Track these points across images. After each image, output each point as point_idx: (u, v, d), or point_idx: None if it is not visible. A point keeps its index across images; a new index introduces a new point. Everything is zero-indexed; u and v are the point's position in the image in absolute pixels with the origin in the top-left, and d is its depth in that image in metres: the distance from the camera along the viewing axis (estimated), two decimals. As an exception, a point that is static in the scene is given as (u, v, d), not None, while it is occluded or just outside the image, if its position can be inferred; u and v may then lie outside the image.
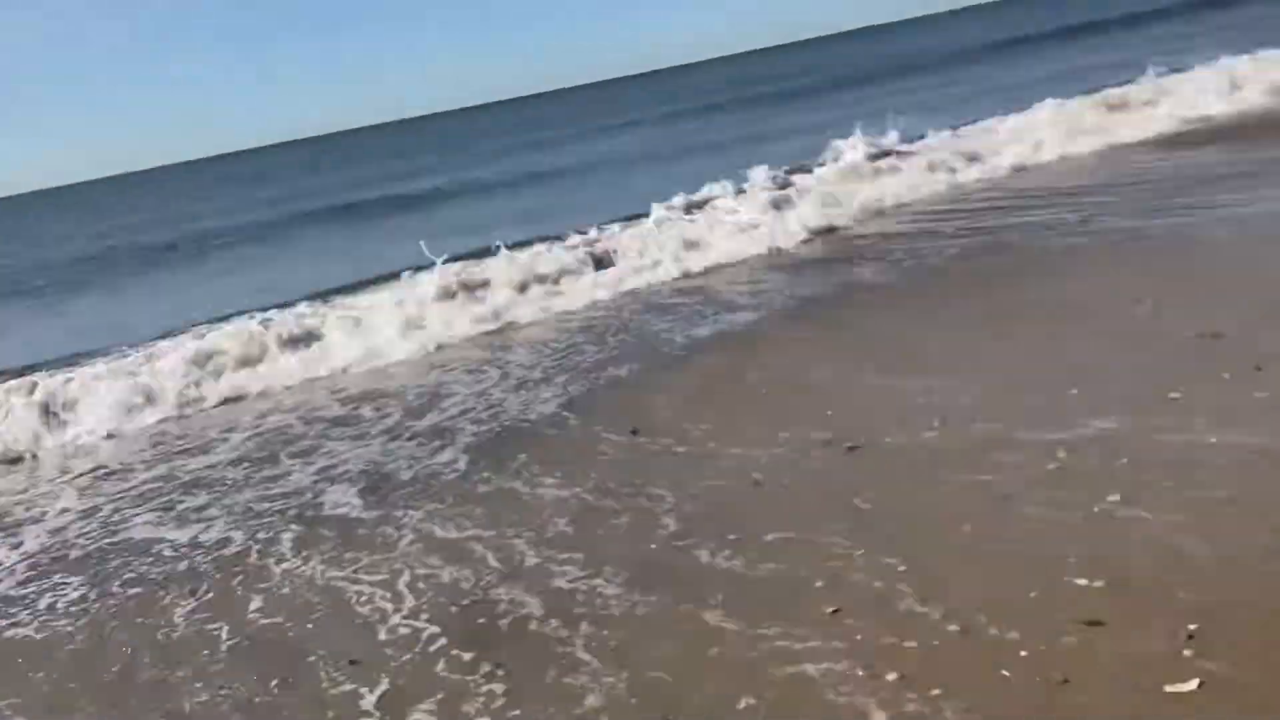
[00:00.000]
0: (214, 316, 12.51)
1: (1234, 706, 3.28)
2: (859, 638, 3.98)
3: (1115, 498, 4.64)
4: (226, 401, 9.65)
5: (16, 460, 8.91)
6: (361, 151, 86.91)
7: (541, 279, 11.69)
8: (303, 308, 11.78)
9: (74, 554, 6.40)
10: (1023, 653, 3.72)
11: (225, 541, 6.14)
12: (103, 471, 8.14)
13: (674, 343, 8.90)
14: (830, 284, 9.85)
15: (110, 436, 9.15)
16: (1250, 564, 3.98)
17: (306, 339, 10.72)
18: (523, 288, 11.50)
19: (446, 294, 11.41)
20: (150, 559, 6.10)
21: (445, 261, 12.07)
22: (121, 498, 7.35)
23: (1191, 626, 3.66)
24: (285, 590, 5.34)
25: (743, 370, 7.62)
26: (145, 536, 6.48)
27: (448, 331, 10.46)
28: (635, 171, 26.19)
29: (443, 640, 4.56)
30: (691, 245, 12.29)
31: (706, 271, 11.48)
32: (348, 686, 4.32)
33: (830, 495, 5.25)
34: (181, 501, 7.02)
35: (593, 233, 13.49)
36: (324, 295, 12.76)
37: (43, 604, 5.74)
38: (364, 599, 5.09)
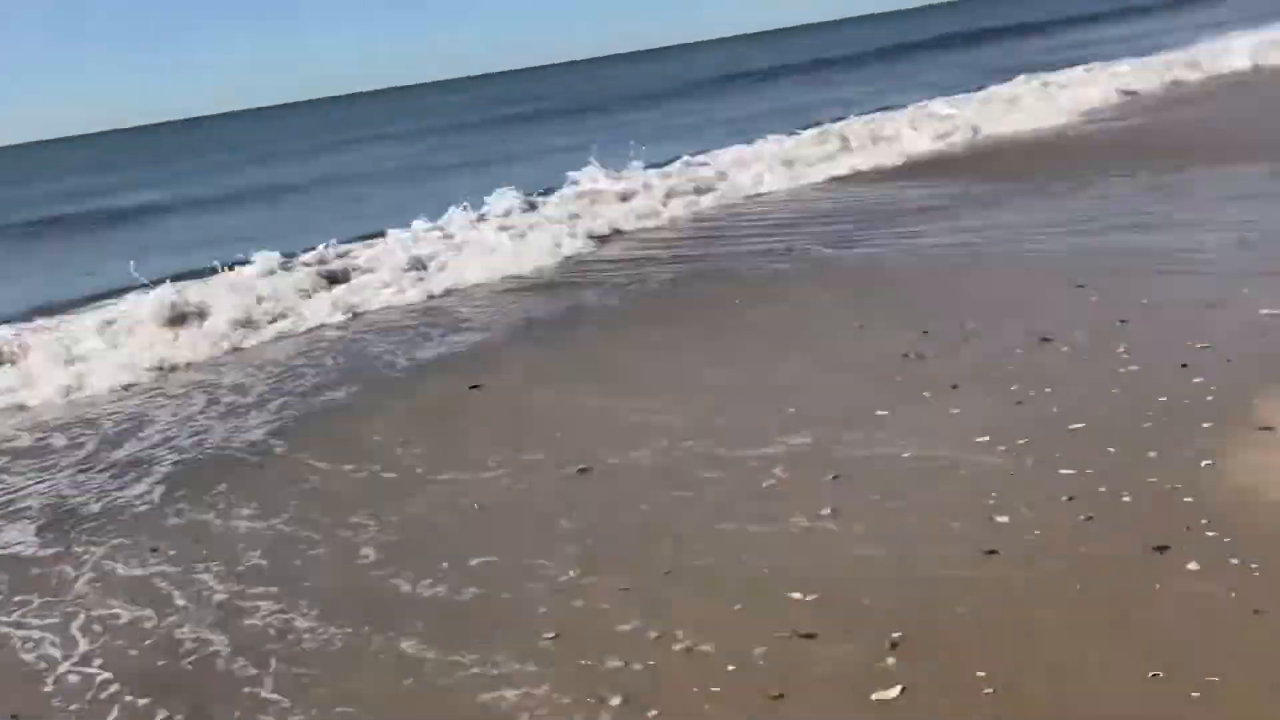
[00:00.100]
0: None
1: (933, 711, 3.35)
2: (583, 662, 3.86)
3: (826, 511, 4.74)
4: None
5: None
6: (74, 161, 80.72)
7: (262, 299, 11.04)
8: (-1, 330, 10.66)
9: None
10: (741, 668, 3.70)
11: None
12: None
13: (397, 365, 8.57)
14: (558, 307, 9.81)
15: None
16: (949, 572, 4.13)
17: (-3, 366, 9.66)
18: (242, 309, 10.80)
19: (157, 316, 10.56)
20: None
21: (158, 282, 11.23)
22: None
23: (895, 634, 3.74)
24: (-66, 644, 4.67)
25: (464, 393, 7.42)
26: None
27: (156, 355, 9.66)
28: (373, 189, 25.54)
29: (116, 686, 4.11)
30: (427, 267, 11.97)
31: (442, 294, 11.20)
32: (-1, 748, 3.80)
33: (551, 518, 5.12)
34: None
35: (323, 252, 12.95)
36: (22, 317, 11.66)
37: None
38: (30, 646, 4.53)
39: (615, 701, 3.62)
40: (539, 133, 37.20)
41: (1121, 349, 6.19)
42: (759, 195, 14.87)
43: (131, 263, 11.57)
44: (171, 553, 5.32)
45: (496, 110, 57.79)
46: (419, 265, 12.01)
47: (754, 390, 6.56)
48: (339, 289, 11.49)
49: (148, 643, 4.41)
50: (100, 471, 6.79)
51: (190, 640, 4.38)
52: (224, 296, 11.09)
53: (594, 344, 8.39)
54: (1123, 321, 6.69)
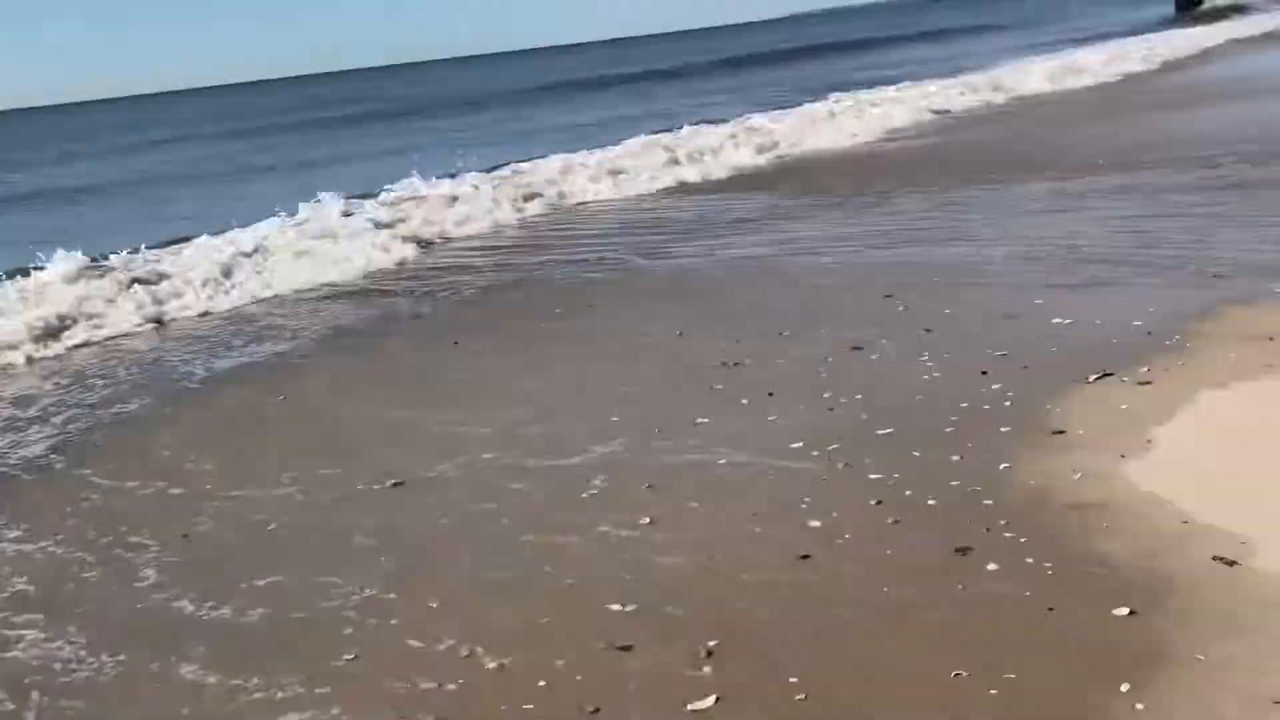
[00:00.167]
0: None
1: (746, 719, 3.36)
2: (386, 683, 3.71)
3: (646, 520, 4.72)
4: None
5: None
6: None
7: (58, 306, 10.32)
8: None
9: None
10: (555, 684, 3.62)
11: None
12: None
13: (195, 375, 8.15)
14: (370, 315, 9.54)
15: None
16: (763, 577, 4.16)
17: None
18: (34, 316, 10.06)
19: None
20: None
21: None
22: None
23: (711, 643, 3.74)
24: None
25: (264, 405, 7.11)
26: None
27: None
28: (184, 191, 24.36)
29: None
30: (236, 274, 11.44)
31: (252, 302, 10.72)
32: None
33: (350, 534, 4.93)
34: None
35: (128, 257, 12.18)
36: None
37: None
38: None
39: (426, 724, 3.49)
40: (362, 136, 36.36)
41: (926, 357, 6.42)
42: (585, 204, 14.89)
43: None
44: (-70, 584, 4.87)
45: (316, 112, 56.19)
46: (228, 272, 11.48)
47: (570, 399, 6.50)
48: (143, 295, 10.84)
49: (-99, 683, 4.02)
50: None
51: (-55, 678, 4.02)
52: (14, 302, 10.35)
53: (404, 353, 8.17)
54: (928, 330, 6.95)
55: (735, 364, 6.75)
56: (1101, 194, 10.83)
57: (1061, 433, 5.13)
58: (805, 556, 4.26)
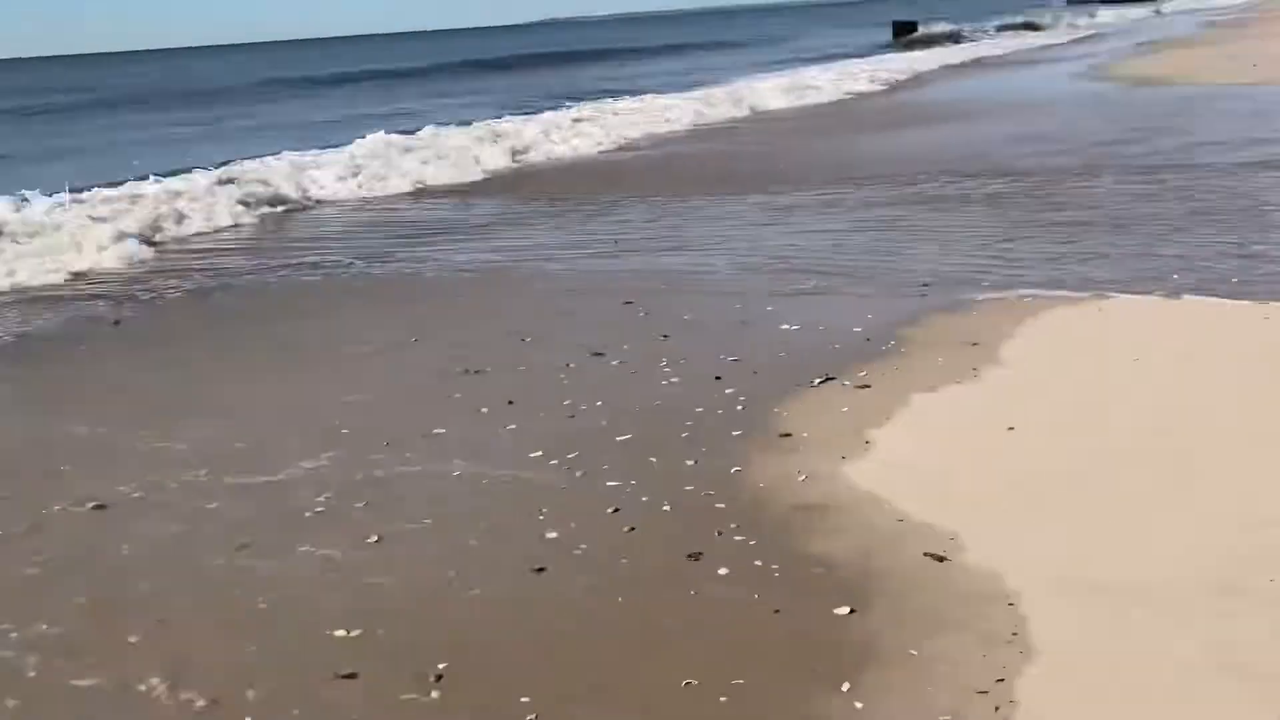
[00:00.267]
0: None
1: (476, 744, 3.24)
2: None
3: (373, 539, 4.51)
4: None
5: None
6: None
7: None
8: None
9: None
10: (276, 718, 3.38)
11: None
12: None
13: None
14: (63, 320, 8.73)
15: None
16: (498, 593, 4.05)
17: None
18: None
19: None
20: None
21: None
22: None
23: (441, 665, 3.59)
24: None
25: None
26: None
27: None
28: None
29: None
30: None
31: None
32: None
33: (19, 566, 4.46)
34: None
35: None
36: None
37: None
38: None
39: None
40: (76, 128, 33.57)
41: (665, 363, 6.50)
42: (313, 205, 14.32)
43: None
44: None
45: (20, 100, 51.54)
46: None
47: (289, 412, 6.15)
48: None
49: None
50: None
51: None
52: None
53: (103, 363, 7.50)
54: (665, 336, 7.05)
55: (476, 371, 6.61)
56: (820, 207, 11.35)
57: (789, 435, 5.30)
58: (540, 570, 4.18)
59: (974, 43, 44.53)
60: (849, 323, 7.01)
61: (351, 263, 10.28)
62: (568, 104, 23.70)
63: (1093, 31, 47.75)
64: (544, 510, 4.67)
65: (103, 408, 6.40)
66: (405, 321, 7.93)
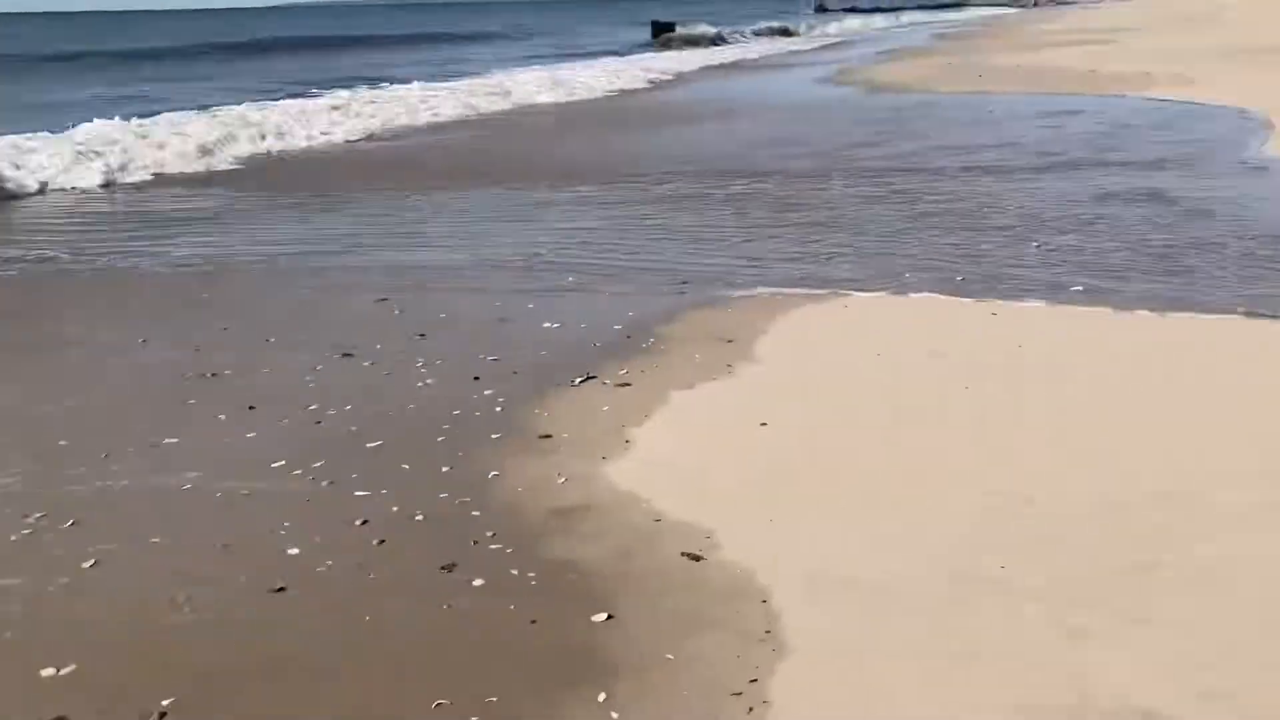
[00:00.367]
0: None
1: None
2: None
3: (90, 563, 4.08)
4: None
5: None
6: None
7: None
8: None
9: None
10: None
11: None
12: None
13: None
14: None
15: None
16: (233, 616, 3.74)
17: None
18: None
19: None
20: None
21: None
22: None
23: (166, 701, 3.27)
24: None
25: None
26: None
27: None
28: None
29: None
30: None
31: None
32: None
33: None
34: None
35: None
36: None
37: None
38: None
39: None
40: None
41: (420, 363, 6.26)
42: (40, 193, 13.16)
43: None
44: None
45: None
46: None
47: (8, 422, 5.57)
48: None
49: None
50: None
51: None
52: None
53: None
54: (421, 335, 6.80)
55: (213, 375, 6.17)
56: (577, 203, 11.31)
57: (549, 437, 5.19)
58: (280, 590, 3.90)
59: (732, 45, 45.91)
60: (610, 320, 6.97)
61: (78, 256, 9.45)
62: (316, 91, 22.77)
63: (840, 39, 50.20)
64: (285, 525, 4.37)
65: None
66: (134, 321, 7.34)
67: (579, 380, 5.91)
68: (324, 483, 4.77)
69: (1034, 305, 6.92)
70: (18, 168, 13.52)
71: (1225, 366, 5.71)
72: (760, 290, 7.51)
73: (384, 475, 4.81)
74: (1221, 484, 4.37)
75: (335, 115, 19.31)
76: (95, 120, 16.46)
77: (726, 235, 9.44)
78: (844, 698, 3.21)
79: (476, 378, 6.00)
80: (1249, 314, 6.51)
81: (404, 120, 19.62)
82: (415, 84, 24.55)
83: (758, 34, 52.65)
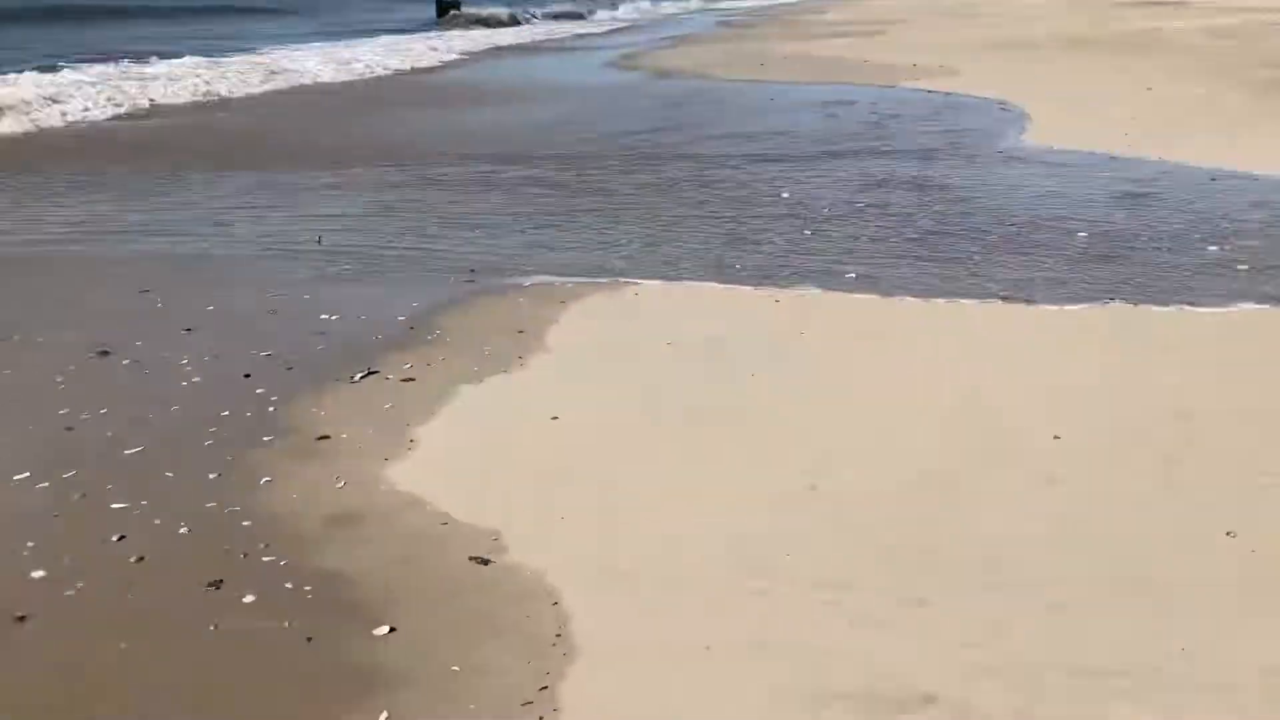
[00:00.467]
0: None
1: None
2: None
3: None
4: None
5: None
6: None
7: None
8: None
9: None
10: None
11: None
12: None
13: None
14: None
15: None
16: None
17: None
18: None
19: None
20: None
21: None
22: None
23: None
24: None
25: None
26: None
27: None
28: None
29: None
30: None
31: None
32: None
33: None
34: None
35: None
36: None
37: None
38: None
39: None
40: None
41: (185, 360, 5.86)
42: None
43: None
44: None
45: None
46: None
47: None
48: None
49: None
50: None
51: None
52: None
53: None
54: (188, 330, 6.37)
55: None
56: (352, 187, 10.81)
57: (327, 438, 4.94)
58: (22, 619, 3.54)
59: (523, 26, 45.49)
60: (392, 311, 6.71)
61: None
62: (70, 65, 21.09)
63: (629, 23, 50.56)
64: (29, 544, 3.99)
65: None
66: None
67: (359, 376, 5.65)
68: (75, 495, 4.38)
69: (813, 293, 7.08)
70: None
71: (989, 351, 6.00)
72: (549, 279, 7.40)
73: (144, 485, 4.46)
74: (994, 463, 4.57)
75: (91, 90, 17.93)
76: None
77: (515, 222, 9.26)
78: (634, 697, 3.16)
79: (247, 375, 5.66)
80: (1007, 299, 6.87)
81: (173, 98, 18.44)
82: (187, 58, 23.13)
83: (549, 16, 52.41)
